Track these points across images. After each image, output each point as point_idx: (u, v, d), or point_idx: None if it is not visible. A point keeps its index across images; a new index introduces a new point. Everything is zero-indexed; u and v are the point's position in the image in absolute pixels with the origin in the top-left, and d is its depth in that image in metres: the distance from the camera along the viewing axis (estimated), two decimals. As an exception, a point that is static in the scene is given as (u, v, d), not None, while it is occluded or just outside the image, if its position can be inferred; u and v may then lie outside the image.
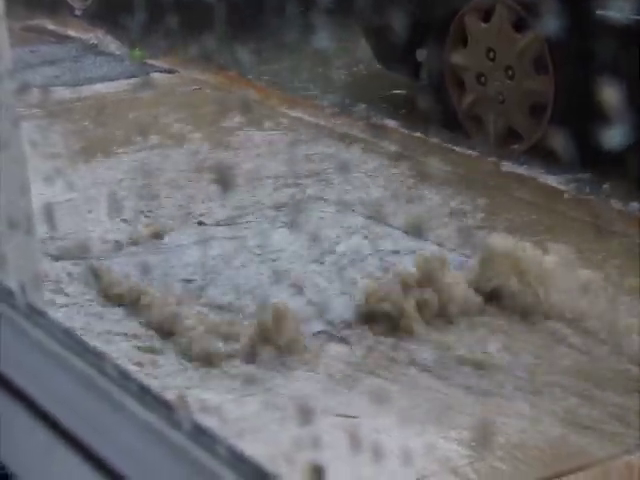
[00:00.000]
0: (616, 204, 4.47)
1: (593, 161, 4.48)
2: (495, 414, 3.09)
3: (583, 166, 4.64)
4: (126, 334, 3.56)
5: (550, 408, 3.12)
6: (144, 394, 0.94)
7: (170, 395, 2.78)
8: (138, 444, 0.91)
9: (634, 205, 4.44)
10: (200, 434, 0.89)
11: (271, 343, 3.41)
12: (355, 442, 2.86)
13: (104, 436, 0.93)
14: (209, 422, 0.96)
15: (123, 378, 0.96)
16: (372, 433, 2.97)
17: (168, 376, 3.29)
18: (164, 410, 0.91)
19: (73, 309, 3.73)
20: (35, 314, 1.07)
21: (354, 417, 3.08)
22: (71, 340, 1.03)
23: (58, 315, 3.51)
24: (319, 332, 3.53)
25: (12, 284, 1.08)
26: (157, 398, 0.93)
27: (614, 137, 3.44)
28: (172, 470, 0.88)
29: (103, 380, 0.95)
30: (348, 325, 3.57)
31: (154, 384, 3.13)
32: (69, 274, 3.97)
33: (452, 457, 2.92)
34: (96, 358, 0.99)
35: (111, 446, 0.91)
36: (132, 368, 3.27)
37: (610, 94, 3.62)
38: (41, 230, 3.78)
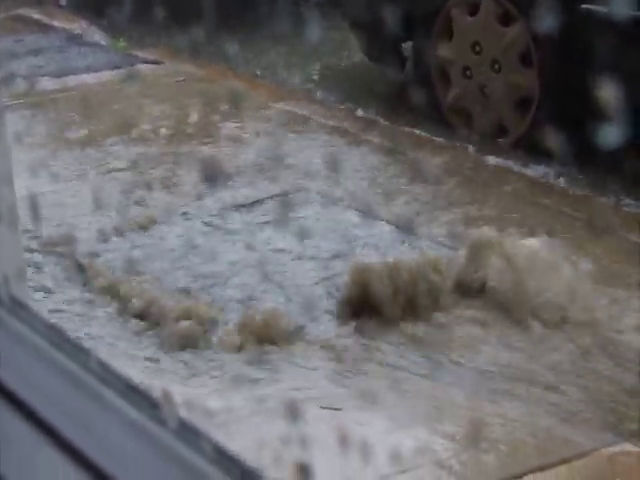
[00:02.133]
0: (601, 197, 4.48)
1: (578, 154, 4.48)
2: (478, 410, 3.09)
3: (568, 159, 4.64)
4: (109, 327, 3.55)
5: (534, 403, 3.13)
6: (129, 390, 0.93)
7: (156, 390, 2.77)
8: (122, 440, 0.90)
9: (618, 198, 4.44)
10: (185, 431, 0.88)
11: (258, 337, 3.40)
12: (341, 435, 2.85)
13: (87, 430, 0.92)
14: (193, 416, 0.94)
15: (107, 373, 0.95)
16: (356, 426, 2.97)
17: (154, 371, 3.28)
18: (149, 407, 0.90)
19: (58, 301, 3.72)
20: (18, 307, 1.05)
21: (338, 409, 3.07)
22: (55, 334, 1.02)
23: (42, 308, 3.49)
24: (304, 326, 3.52)
25: (-5, 277, 1.07)
26: (142, 394, 0.92)
27: (600, 131, 3.44)
28: (157, 467, 0.87)
29: (87, 375, 0.94)
30: (333, 319, 3.56)
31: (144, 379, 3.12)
32: (53, 265, 3.95)
33: (437, 450, 2.92)
34: (80, 353, 0.98)
35: (94, 441, 0.90)
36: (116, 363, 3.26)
37: (595, 88, 3.62)
38: (24, 222, 3.77)
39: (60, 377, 0.96)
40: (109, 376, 0.94)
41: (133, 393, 0.92)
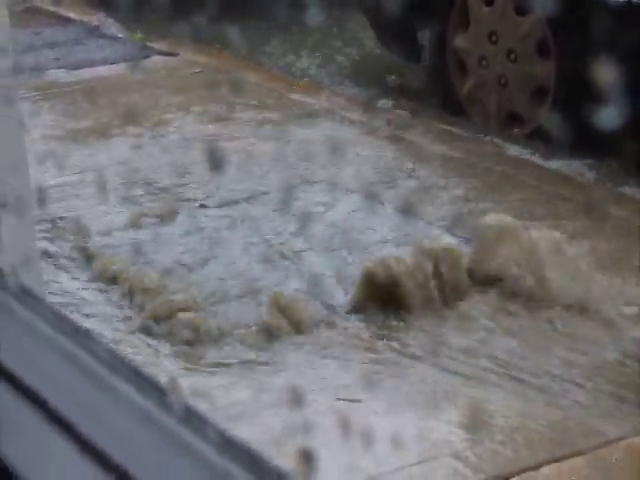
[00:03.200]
0: (617, 188, 4.46)
1: (594, 145, 4.46)
2: (489, 399, 3.08)
3: (584, 150, 4.62)
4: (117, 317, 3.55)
5: (547, 393, 3.12)
6: (136, 377, 0.93)
7: (164, 379, 2.77)
8: (130, 428, 0.90)
9: (634, 189, 4.42)
10: (193, 418, 0.88)
11: (271, 326, 3.40)
12: (355, 425, 2.85)
13: (96, 419, 0.92)
14: (203, 406, 0.94)
15: (115, 361, 0.95)
16: (371, 415, 2.97)
17: (163, 360, 3.29)
18: (156, 394, 0.90)
19: (67, 292, 3.72)
20: (27, 296, 1.05)
21: (355, 400, 3.07)
22: (63, 323, 1.02)
23: (53, 297, 3.50)
24: (319, 315, 3.52)
25: (4, 265, 1.06)
26: (150, 382, 0.92)
27: (615, 121, 3.42)
28: (164, 454, 0.87)
29: (94, 363, 0.94)
30: (347, 308, 3.56)
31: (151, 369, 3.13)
32: (63, 256, 3.95)
33: (452, 440, 2.92)
34: (88, 341, 0.98)
35: (103, 430, 0.90)
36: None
37: (612, 78, 3.60)
38: (37, 212, 3.77)
39: (68, 365, 0.96)
40: (117, 364, 0.94)
41: (141, 381, 0.92)
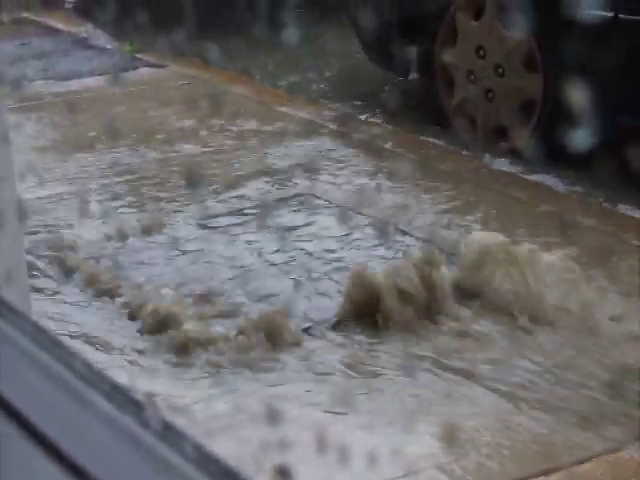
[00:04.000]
0: (603, 203, 4.48)
1: (580, 160, 4.47)
2: (474, 412, 3.08)
3: (571, 164, 4.64)
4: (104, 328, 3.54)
5: (532, 407, 3.12)
6: (114, 392, 0.93)
7: (144, 392, 2.77)
8: (108, 442, 0.90)
9: (621, 204, 4.44)
10: (170, 434, 0.88)
11: (262, 338, 3.40)
12: (336, 439, 2.85)
13: (74, 434, 0.92)
14: (180, 421, 0.94)
15: (94, 377, 0.95)
16: (352, 429, 2.96)
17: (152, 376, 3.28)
18: (134, 409, 0.90)
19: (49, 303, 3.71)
20: (7, 310, 1.05)
21: (336, 414, 3.07)
22: (44, 337, 1.02)
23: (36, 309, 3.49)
24: (303, 329, 3.52)
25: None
26: (127, 397, 0.91)
27: (600, 136, 3.44)
28: (141, 469, 0.87)
29: (73, 377, 0.94)
30: (332, 322, 3.56)
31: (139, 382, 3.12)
32: (45, 268, 3.94)
33: (436, 453, 2.92)
34: (68, 356, 0.98)
35: (81, 444, 0.90)
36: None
37: (598, 92, 3.62)
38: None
39: (47, 380, 0.96)
40: (96, 378, 0.94)
41: (119, 395, 0.92)
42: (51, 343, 0.97)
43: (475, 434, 2.98)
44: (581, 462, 2.88)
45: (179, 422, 0.93)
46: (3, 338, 1.04)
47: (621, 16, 4.52)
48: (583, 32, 4.60)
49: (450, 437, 2.96)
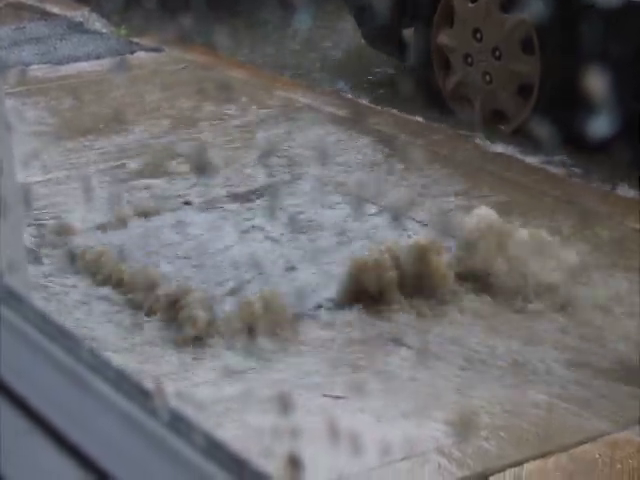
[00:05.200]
0: (601, 186, 4.48)
1: (578, 143, 4.47)
2: (474, 396, 3.09)
3: (569, 148, 4.64)
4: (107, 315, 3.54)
5: (531, 389, 3.13)
6: (121, 381, 0.93)
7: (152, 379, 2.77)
8: (114, 432, 0.90)
9: (619, 187, 4.44)
10: (178, 422, 0.88)
11: (257, 323, 3.40)
12: (340, 422, 2.85)
13: (80, 423, 0.92)
14: (187, 406, 0.95)
15: (100, 364, 0.95)
16: (354, 413, 2.97)
17: (151, 359, 3.28)
18: (141, 398, 0.90)
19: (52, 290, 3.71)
20: (11, 298, 1.05)
21: (341, 397, 3.08)
22: (48, 325, 1.01)
23: (39, 297, 3.49)
24: (305, 312, 3.52)
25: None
26: (134, 385, 0.91)
27: (599, 120, 3.44)
28: (149, 458, 0.87)
29: (79, 365, 0.94)
30: (333, 305, 3.56)
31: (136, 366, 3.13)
32: (47, 255, 3.93)
33: (438, 437, 2.93)
34: (73, 344, 0.97)
35: (87, 433, 0.90)
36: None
37: (596, 77, 3.61)
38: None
39: (53, 368, 0.96)
40: (102, 366, 0.94)
41: (125, 384, 0.92)
42: (56, 330, 0.97)
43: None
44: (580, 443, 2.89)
45: (185, 408, 0.93)
46: (7, 325, 1.04)
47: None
48: (580, 14, 4.59)
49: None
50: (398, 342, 3.38)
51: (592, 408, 3.03)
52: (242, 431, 2.78)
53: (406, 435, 2.91)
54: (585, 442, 2.90)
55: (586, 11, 4.55)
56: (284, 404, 2.69)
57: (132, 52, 6.45)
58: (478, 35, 5.13)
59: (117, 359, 3.03)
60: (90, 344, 1.00)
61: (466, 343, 3.37)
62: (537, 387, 3.14)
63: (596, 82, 3.55)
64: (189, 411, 0.88)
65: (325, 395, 3.08)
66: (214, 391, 3.09)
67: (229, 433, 2.54)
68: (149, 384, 0.92)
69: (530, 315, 3.50)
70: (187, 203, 4.36)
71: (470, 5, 5.16)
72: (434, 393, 3.12)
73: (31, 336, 1.01)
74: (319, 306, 3.56)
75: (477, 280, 3.64)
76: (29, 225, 4.01)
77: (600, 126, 3.57)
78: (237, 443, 0.88)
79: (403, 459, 2.84)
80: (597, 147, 4.07)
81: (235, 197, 4.41)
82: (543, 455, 2.86)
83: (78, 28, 7.06)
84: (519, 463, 2.83)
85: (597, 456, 2.86)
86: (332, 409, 2.99)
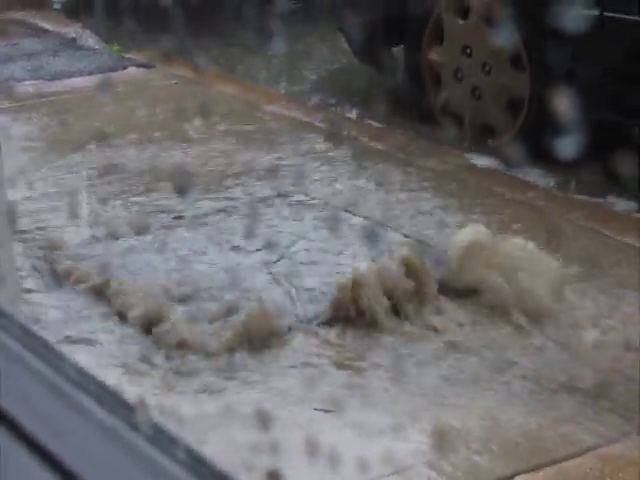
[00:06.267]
0: (589, 200, 4.50)
1: (567, 157, 4.49)
2: (464, 408, 3.10)
3: (558, 162, 4.65)
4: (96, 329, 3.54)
5: (521, 402, 3.13)
6: (105, 395, 0.94)
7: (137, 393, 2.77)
8: (97, 445, 0.91)
9: (608, 200, 4.46)
10: (161, 437, 0.89)
11: (247, 338, 3.41)
12: (327, 437, 2.86)
13: (62, 436, 0.92)
14: (171, 421, 0.95)
15: (83, 379, 0.95)
16: (342, 427, 2.98)
17: (140, 375, 3.28)
18: (124, 412, 0.91)
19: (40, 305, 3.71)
20: (-2, 314, 1.06)
21: (330, 411, 3.08)
22: (32, 340, 1.02)
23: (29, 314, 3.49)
24: (293, 327, 3.52)
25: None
26: (117, 399, 0.92)
27: (588, 135, 3.45)
28: (131, 472, 0.88)
29: (63, 380, 0.95)
30: (318, 322, 3.56)
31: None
32: (37, 270, 3.93)
33: (426, 450, 2.93)
34: (56, 358, 0.98)
35: (69, 447, 0.91)
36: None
37: (584, 93, 3.64)
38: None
39: (36, 381, 0.96)
40: (85, 381, 0.95)
41: (108, 397, 0.92)
42: (41, 346, 0.98)
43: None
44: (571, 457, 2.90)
45: (168, 422, 0.94)
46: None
47: (607, 14, 4.54)
48: (569, 30, 4.61)
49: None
50: (383, 358, 3.38)
51: (583, 421, 3.04)
52: (225, 446, 2.78)
53: (394, 448, 2.92)
54: (576, 455, 2.91)
55: (575, 27, 4.57)
56: (264, 420, 2.69)
57: (124, 68, 6.47)
58: (468, 51, 5.16)
59: (101, 374, 3.02)
60: (74, 360, 1.01)
61: (453, 357, 3.37)
62: (528, 400, 3.15)
63: (585, 97, 3.57)
64: (170, 423, 0.89)
65: (316, 409, 3.08)
66: (197, 407, 3.08)
67: (212, 448, 2.54)
68: (132, 399, 0.93)
69: (517, 329, 3.51)
70: (178, 218, 4.37)
71: (460, 21, 5.19)
72: (421, 407, 3.12)
73: (16, 352, 1.02)
74: (302, 322, 3.56)
75: (467, 296, 3.65)
76: (16, 239, 4.01)
77: (586, 141, 3.58)
78: (220, 458, 0.89)
79: (393, 473, 2.85)
80: (584, 161, 4.08)
81: (221, 211, 4.41)
82: (533, 469, 2.87)
83: (71, 44, 7.08)
84: (509, 476, 2.84)
85: (588, 470, 2.87)
86: (320, 423, 3.00)
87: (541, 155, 4.43)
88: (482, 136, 5.14)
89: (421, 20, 5.32)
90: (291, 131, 5.31)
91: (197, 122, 5.42)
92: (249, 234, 4.19)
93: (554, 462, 2.88)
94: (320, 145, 5.13)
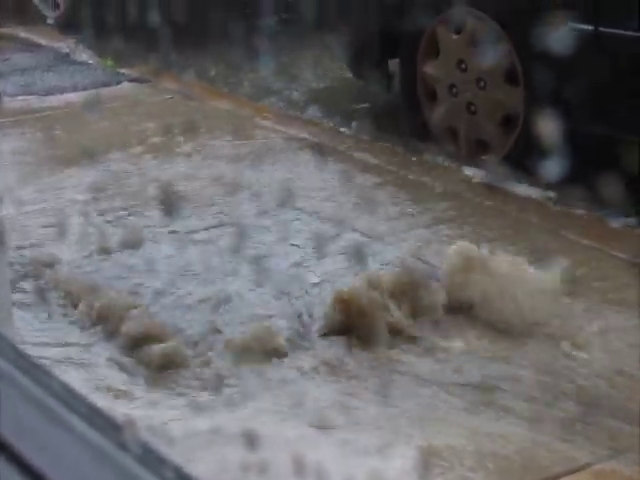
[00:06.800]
0: (584, 215, 4.49)
1: (562, 172, 4.49)
2: (459, 425, 3.08)
3: (553, 177, 4.65)
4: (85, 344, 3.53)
5: (516, 419, 3.12)
6: (93, 415, 0.92)
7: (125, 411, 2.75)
8: (86, 465, 0.90)
9: (604, 214, 4.46)
10: (149, 456, 0.88)
11: (244, 352, 3.40)
12: (322, 453, 2.84)
13: (51, 456, 0.91)
14: (160, 439, 0.94)
15: (72, 398, 0.94)
16: (337, 443, 2.96)
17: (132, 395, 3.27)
18: (113, 431, 0.90)
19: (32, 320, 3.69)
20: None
21: (323, 428, 3.07)
22: (21, 359, 1.01)
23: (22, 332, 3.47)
24: (285, 345, 3.51)
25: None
26: (106, 419, 0.91)
27: (582, 149, 3.46)
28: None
29: (51, 399, 0.94)
30: (314, 338, 3.55)
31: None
32: (29, 288, 3.91)
33: (420, 467, 2.92)
34: (45, 377, 0.97)
35: (58, 466, 0.90)
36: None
37: (578, 106, 3.64)
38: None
39: (25, 401, 0.95)
40: (74, 400, 0.94)
41: (97, 417, 0.91)
42: (30, 366, 0.97)
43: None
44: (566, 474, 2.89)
45: (156, 441, 0.92)
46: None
47: (601, 29, 4.54)
48: (564, 45, 4.62)
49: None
50: (381, 373, 3.37)
51: (578, 438, 3.03)
52: (214, 465, 2.76)
53: (389, 464, 2.90)
54: (571, 472, 2.90)
55: (569, 42, 4.57)
56: (252, 440, 2.67)
57: (118, 83, 6.47)
58: (463, 66, 5.16)
59: (89, 392, 3.01)
60: (63, 380, 0.99)
61: (450, 372, 3.36)
62: (522, 416, 3.13)
63: (579, 112, 3.57)
64: (158, 442, 0.87)
65: (312, 426, 3.07)
66: (186, 426, 3.06)
67: (200, 465, 2.52)
68: (120, 418, 0.92)
69: (512, 343, 3.50)
70: (165, 234, 4.35)
71: (454, 36, 5.19)
72: (417, 423, 3.11)
73: (6, 371, 1.01)
74: (299, 338, 3.55)
75: (461, 311, 3.64)
76: (9, 255, 3.99)
77: (580, 155, 3.59)
78: (208, 477, 0.87)
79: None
80: (581, 176, 4.08)
81: (213, 228, 4.40)
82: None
83: (65, 59, 7.08)
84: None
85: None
86: (313, 438, 2.98)
87: (535, 169, 4.42)
88: (477, 151, 5.14)
89: (416, 34, 5.32)
90: (285, 147, 5.31)
91: (190, 137, 5.41)
92: (240, 250, 4.18)
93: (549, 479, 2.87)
94: (312, 160, 5.12)
